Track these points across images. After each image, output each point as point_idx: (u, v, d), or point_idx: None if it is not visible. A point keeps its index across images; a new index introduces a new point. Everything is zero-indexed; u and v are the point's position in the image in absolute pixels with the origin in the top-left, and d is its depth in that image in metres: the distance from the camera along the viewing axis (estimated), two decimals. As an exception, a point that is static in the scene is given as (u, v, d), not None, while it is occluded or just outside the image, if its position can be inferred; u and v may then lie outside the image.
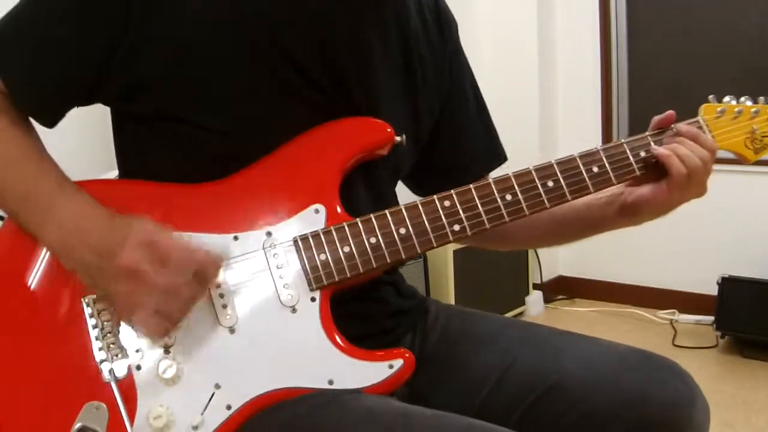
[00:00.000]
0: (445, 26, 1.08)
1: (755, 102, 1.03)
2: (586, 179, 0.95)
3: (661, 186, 0.95)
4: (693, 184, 0.95)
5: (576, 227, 1.05)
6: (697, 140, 0.96)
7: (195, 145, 0.89)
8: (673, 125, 0.98)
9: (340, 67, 0.92)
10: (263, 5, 0.88)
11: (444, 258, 2.86)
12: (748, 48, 3.05)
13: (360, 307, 0.94)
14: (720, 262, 3.00)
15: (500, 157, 1.13)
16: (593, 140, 2.78)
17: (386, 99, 0.97)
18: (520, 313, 3.23)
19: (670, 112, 0.99)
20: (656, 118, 1.00)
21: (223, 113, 0.88)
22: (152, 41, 0.85)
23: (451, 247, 2.86)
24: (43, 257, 0.85)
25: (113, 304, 0.82)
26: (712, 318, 2.86)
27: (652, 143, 0.97)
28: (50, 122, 0.91)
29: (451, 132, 1.08)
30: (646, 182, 0.97)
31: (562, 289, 3.53)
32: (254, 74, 0.88)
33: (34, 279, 0.84)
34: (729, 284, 2.82)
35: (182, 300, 0.80)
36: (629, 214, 0.99)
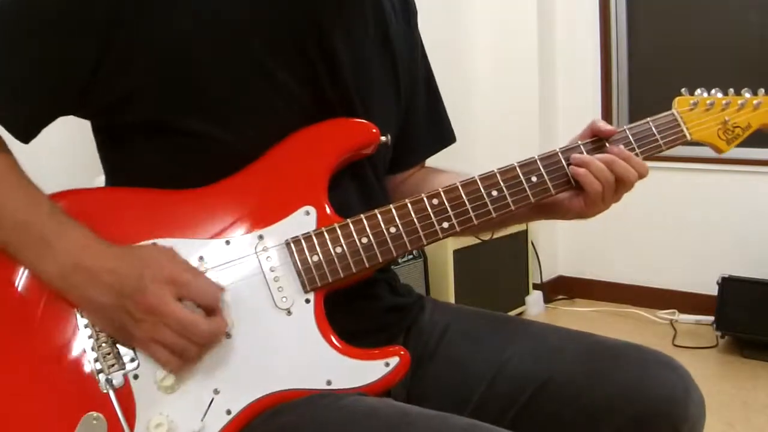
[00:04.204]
0: (411, 13, 1.08)
1: (725, 94, 1.06)
2: (569, 174, 0.96)
3: (579, 198, 0.97)
4: (606, 201, 0.97)
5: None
6: (629, 161, 0.96)
7: (189, 153, 0.88)
8: (606, 142, 0.98)
9: (337, 68, 0.92)
10: (258, 6, 0.88)
11: (444, 258, 2.86)
12: (748, 48, 3.04)
13: (353, 304, 0.95)
14: (720, 262, 2.99)
15: (444, 141, 1.14)
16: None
17: (377, 98, 0.98)
18: (520, 313, 3.23)
19: (611, 129, 0.98)
20: (596, 127, 0.99)
21: (219, 119, 0.87)
22: (145, 44, 0.83)
23: (451, 247, 2.86)
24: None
25: (132, 338, 0.80)
26: (712, 318, 2.86)
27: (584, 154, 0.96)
28: (26, 138, 0.87)
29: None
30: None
31: (562, 289, 3.53)
32: (251, 76, 0.88)
33: (27, 292, 0.82)
34: (729, 284, 2.81)
35: (205, 336, 0.80)
36: (544, 212, 1.01)
